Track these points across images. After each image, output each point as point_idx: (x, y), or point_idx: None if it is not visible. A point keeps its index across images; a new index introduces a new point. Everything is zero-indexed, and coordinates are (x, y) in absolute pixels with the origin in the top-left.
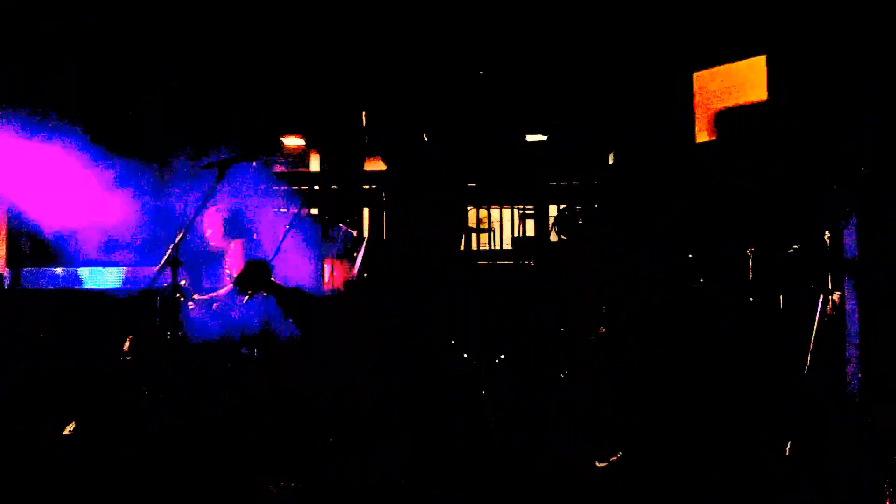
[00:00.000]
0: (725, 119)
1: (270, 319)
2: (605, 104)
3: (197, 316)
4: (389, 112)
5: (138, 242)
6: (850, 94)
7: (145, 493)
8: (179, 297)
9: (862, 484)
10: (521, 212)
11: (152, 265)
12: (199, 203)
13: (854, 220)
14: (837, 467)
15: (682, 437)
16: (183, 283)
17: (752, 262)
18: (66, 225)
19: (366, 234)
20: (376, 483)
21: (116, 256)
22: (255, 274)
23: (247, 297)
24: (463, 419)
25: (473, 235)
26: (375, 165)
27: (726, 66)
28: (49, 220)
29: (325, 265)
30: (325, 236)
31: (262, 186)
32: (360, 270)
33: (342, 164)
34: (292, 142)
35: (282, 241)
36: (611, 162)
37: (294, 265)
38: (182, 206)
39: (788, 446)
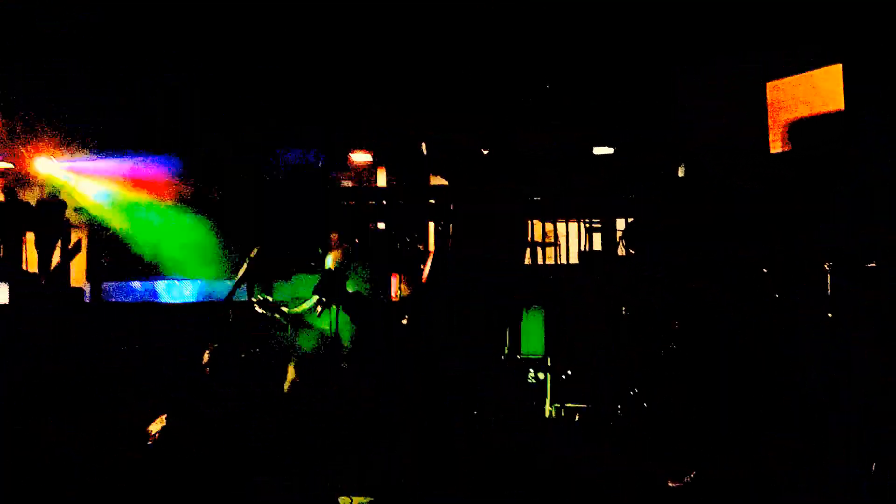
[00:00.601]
0: (800, 129)
1: (340, 331)
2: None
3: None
4: (443, 127)
5: (212, 256)
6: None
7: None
8: (259, 310)
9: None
10: (587, 225)
11: (226, 279)
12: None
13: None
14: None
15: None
16: (263, 297)
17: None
18: (144, 240)
19: (431, 248)
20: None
21: (191, 270)
22: (332, 282)
23: (322, 307)
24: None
25: (539, 249)
26: (440, 180)
27: (800, 75)
28: (127, 235)
29: (393, 278)
30: (393, 250)
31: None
32: (426, 283)
33: (408, 179)
34: (360, 157)
35: (352, 255)
36: (681, 174)
37: (364, 278)
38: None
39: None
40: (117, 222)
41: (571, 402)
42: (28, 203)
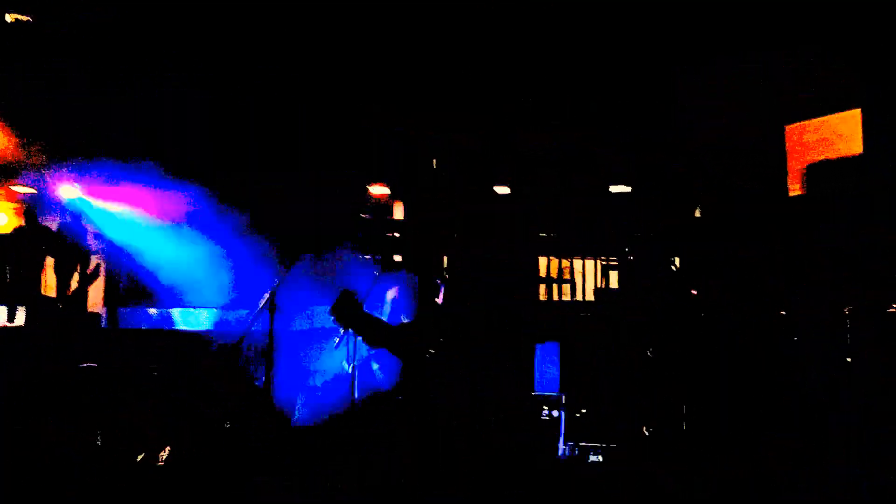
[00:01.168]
0: (819, 172)
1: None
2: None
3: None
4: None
5: (228, 285)
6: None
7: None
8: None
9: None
10: (603, 262)
11: (242, 308)
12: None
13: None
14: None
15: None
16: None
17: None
18: (161, 266)
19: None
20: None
21: (206, 298)
22: (347, 304)
23: (342, 329)
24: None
25: (555, 286)
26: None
27: (819, 119)
28: (144, 261)
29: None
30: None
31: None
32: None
33: (421, 212)
34: (378, 190)
35: (372, 287)
36: (697, 214)
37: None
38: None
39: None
40: (136, 248)
41: (586, 441)
42: (48, 227)
